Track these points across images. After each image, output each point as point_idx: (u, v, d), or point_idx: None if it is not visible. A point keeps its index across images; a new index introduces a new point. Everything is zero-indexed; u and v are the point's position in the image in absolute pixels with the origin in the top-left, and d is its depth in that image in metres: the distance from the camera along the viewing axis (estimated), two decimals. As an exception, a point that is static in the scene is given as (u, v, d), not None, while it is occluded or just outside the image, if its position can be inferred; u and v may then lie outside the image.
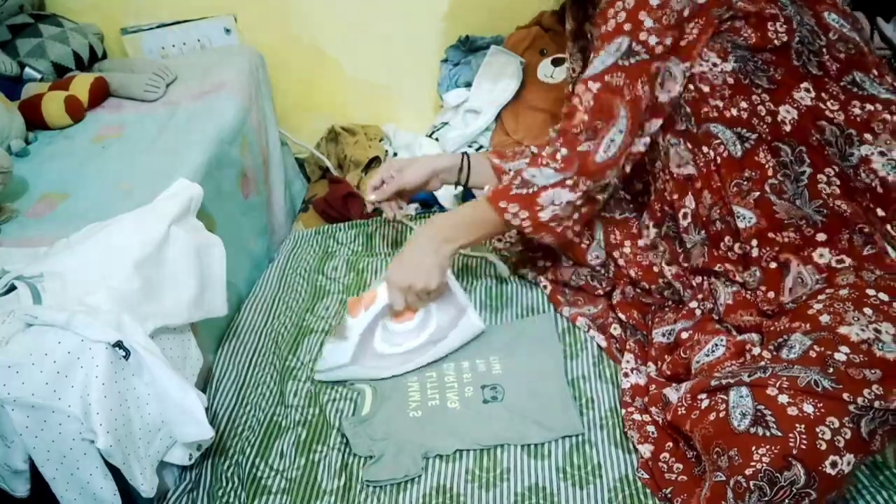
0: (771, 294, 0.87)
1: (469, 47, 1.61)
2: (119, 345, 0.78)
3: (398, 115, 1.74)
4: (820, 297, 0.81)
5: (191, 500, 0.91)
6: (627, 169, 0.93)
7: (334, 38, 1.65)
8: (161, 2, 1.59)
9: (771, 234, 0.87)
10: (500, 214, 0.93)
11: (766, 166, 0.85)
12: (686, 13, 0.81)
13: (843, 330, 0.74)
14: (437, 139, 1.58)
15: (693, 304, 0.96)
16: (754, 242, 0.88)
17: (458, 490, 0.87)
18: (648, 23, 0.81)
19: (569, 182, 0.90)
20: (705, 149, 0.88)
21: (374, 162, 1.58)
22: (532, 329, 1.08)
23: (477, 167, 1.14)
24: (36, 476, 0.78)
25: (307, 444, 0.95)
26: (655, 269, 1.02)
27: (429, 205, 1.49)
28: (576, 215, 0.94)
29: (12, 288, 0.83)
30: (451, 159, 1.15)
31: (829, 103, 0.82)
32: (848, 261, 0.83)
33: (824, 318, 0.77)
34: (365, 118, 1.72)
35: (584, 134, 0.88)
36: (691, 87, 0.86)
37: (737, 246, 0.90)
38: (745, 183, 0.87)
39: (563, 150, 0.89)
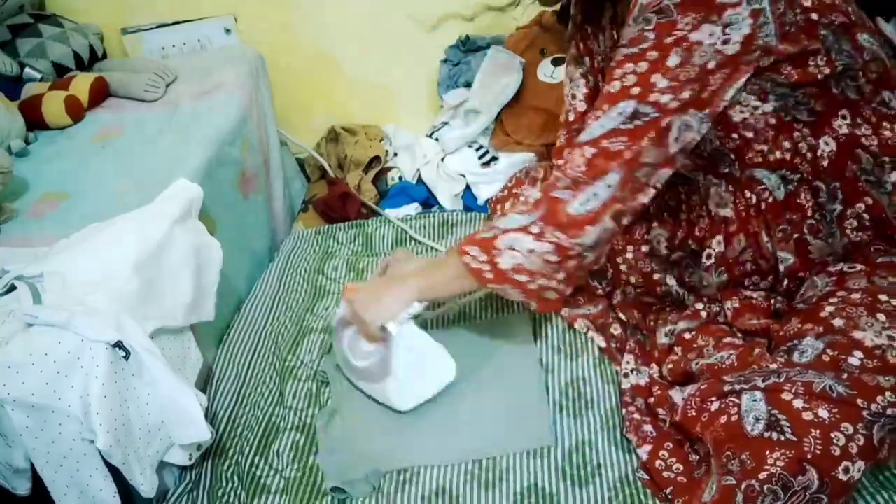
0: (784, 299, 0.89)
1: (469, 47, 1.61)
2: (119, 345, 0.79)
3: (398, 115, 1.74)
4: (832, 300, 0.80)
5: (191, 500, 0.91)
6: (625, 223, 0.83)
7: (334, 38, 1.65)
8: (161, 2, 1.59)
9: (801, 273, 0.87)
10: (461, 257, 0.86)
11: (806, 207, 0.84)
12: (711, 65, 0.73)
13: (856, 335, 0.74)
14: (437, 139, 1.58)
15: (699, 306, 0.96)
16: (785, 281, 0.89)
17: (458, 490, 0.87)
18: (662, 83, 0.74)
19: (533, 229, 0.80)
20: (748, 193, 0.87)
21: (375, 162, 1.58)
22: (506, 330, 1.07)
23: None
24: (37, 474, 0.78)
25: (307, 445, 0.95)
26: (657, 276, 1.02)
27: (429, 205, 1.49)
28: (559, 274, 0.83)
29: (12, 288, 0.83)
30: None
31: (863, 128, 0.81)
32: (860, 266, 0.83)
33: (837, 322, 0.76)
34: (365, 118, 1.72)
35: (563, 182, 0.80)
36: (735, 135, 0.83)
37: (763, 283, 0.91)
38: (788, 227, 0.86)
39: (535, 193, 0.82)
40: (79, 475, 0.77)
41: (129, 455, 0.79)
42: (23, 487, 0.80)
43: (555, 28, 1.52)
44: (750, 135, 0.83)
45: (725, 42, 0.72)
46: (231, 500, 0.90)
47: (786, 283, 0.89)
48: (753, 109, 0.81)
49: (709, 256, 0.93)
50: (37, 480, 0.79)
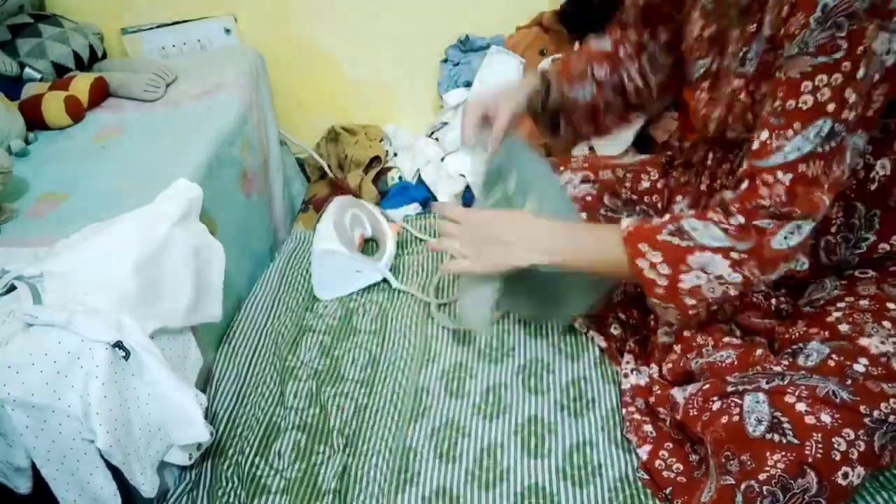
0: (789, 299, 0.88)
1: (469, 47, 1.61)
2: (119, 345, 0.79)
3: (398, 115, 1.74)
4: (839, 305, 0.80)
5: (191, 499, 0.91)
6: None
7: (334, 38, 1.65)
8: (161, 2, 1.59)
9: (810, 277, 0.86)
10: (633, 258, 0.77)
11: (833, 221, 0.81)
12: (877, 77, 0.67)
13: (862, 341, 0.74)
14: (437, 139, 1.58)
15: None
16: (792, 281, 0.87)
17: (458, 490, 0.87)
18: (853, 98, 0.67)
19: (734, 255, 0.73)
20: None
21: (375, 162, 1.58)
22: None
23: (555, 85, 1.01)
24: (38, 473, 0.78)
25: (308, 444, 0.95)
26: None
27: (429, 204, 1.49)
28: (716, 305, 0.79)
29: (12, 288, 0.83)
30: (530, 85, 1.00)
31: None
32: (871, 272, 0.83)
33: (844, 328, 0.76)
34: (365, 118, 1.72)
35: (770, 211, 0.71)
36: None
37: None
38: None
39: (739, 218, 0.73)
40: (79, 474, 0.77)
41: (129, 455, 0.79)
42: (24, 486, 0.80)
43: (555, 28, 1.52)
44: None
45: (887, 52, 0.66)
46: (231, 500, 0.90)
47: (791, 281, 0.87)
48: None
49: None
50: (38, 479, 0.79)
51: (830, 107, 0.67)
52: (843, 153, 0.70)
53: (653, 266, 0.76)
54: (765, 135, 0.71)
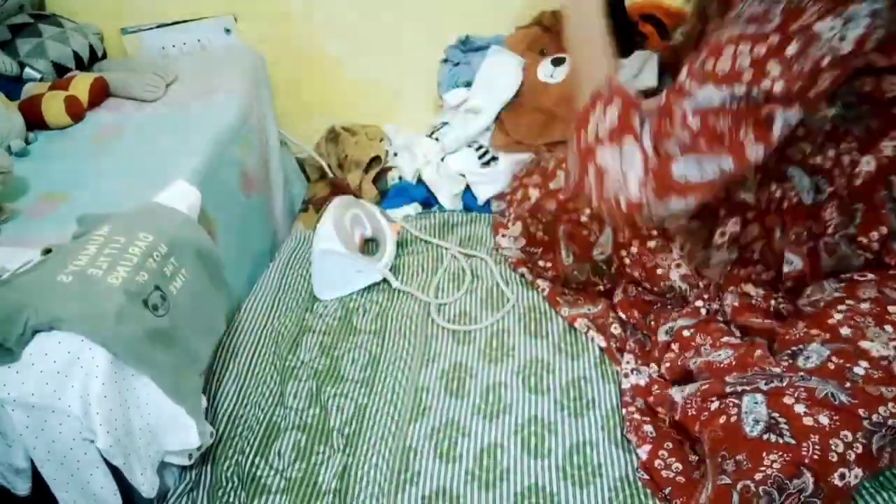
0: (788, 299, 0.88)
1: (469, 47, 1.61)
2: (119, 345, 0.78)
3: (398, 115, 1.74)
4: (840, 308, 0.80)
5: (191, 499, 0.91)
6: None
7: (334, 38, 1.65)
8: (161, 2, 1.58)
9: (809, 280, 0.87)
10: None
11: (829, 223, 0.83)
12: (825, 62, 0.67)
13: (863, 344, 0.74)
14: (437, 139, 1.58)
15: (698, 304, 0.96)
16: (789, 283, 0.88)
17: (458, 490, 0.87)
18: (776, 71, 0.67)
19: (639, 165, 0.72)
20: (774, 186, 0.85)
21: (374, 162, 1.58)
22: None
23: None
24: (38, 474, 0.78)
25: (308, 444, 0.95)
26: (660, 271, 1.02)
27: (429, 205, 1.49)
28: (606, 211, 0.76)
29: (12, 288, 0.83)
30: None
31: None
32: (871, 275, 0.83)
33: (845, 331, 0.76)
34: (365, 118, 1.72)
35: (679, 136, 0.72)
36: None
37: (765, 274, 0.90)
38: (805, 234, 0.85)
39: (647, 141, 0.73)
40: (79, 474, 0.77)
41: (129, 455, 0.79)
42: (23, 487, 0.80)
43: (555, 28, 1.52)
44: (801, 132, 0.80)
45: (842, 39, 0.66)
46: (231, 500, 0.90)
47: (788, 284, 0.88)
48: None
49: (722, 234, 0.93)
50: (37, 480, 0.79)
51: (747, 75, 0.68)
52: (757, 118, 0.69)
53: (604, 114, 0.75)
54: (684, 76, 0.73)
